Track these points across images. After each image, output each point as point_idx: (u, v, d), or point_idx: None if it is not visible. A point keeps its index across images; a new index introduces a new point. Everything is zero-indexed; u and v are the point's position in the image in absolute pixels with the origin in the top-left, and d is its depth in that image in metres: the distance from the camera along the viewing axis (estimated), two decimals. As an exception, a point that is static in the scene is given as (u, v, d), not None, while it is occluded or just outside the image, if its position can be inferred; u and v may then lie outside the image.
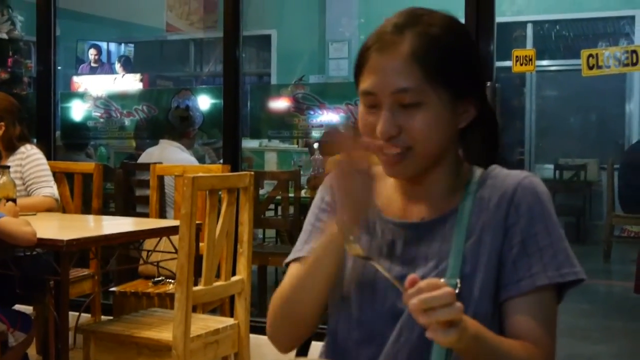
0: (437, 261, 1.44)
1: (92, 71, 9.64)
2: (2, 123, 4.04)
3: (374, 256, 1.44)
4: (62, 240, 3.01)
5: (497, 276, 1.42)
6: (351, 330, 1.50)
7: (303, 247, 1.59)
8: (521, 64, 3.97)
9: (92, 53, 9.82)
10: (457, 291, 1.36)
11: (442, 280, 1.24)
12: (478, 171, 1.52)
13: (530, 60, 4.01)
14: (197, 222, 3.08)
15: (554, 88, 10.95)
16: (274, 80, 10.35)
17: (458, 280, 1.39)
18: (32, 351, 4.13)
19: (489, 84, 3.85)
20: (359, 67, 1.45)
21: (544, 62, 10.29)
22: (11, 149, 4.08)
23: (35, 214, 3.82)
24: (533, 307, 1.40)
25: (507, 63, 4.14)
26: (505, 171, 1.51)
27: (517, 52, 4.01)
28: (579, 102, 10.66)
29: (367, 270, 1.48)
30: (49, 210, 3.99)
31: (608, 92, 10.36)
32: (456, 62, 1.43)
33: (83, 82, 8.60)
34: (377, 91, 1.41)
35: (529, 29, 10.36)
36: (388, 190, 1.56)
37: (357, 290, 1.50)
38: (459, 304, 1.19)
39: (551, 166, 10.49)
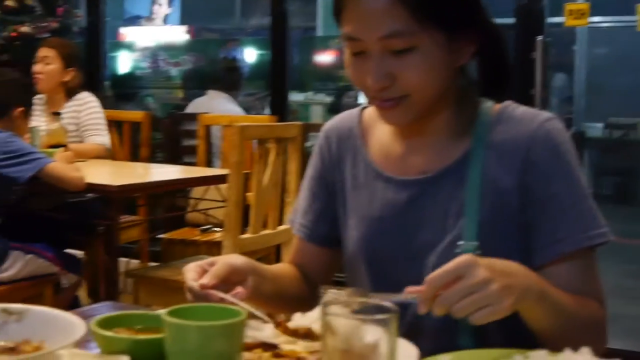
0: (446, 221, 1.33)
1: (145, 20, 9.71)
2: (72, 69, 4.12)
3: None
4: (112, 186, 3.06)
5: (520, 239, 1.31)
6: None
7: (296, 217, 1.54)
8: (574, 18, 3.89)
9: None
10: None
11: (456, 260, 1.08)
12: (487, 109, 1.37)
13: (583, 14, 3.93)
14: (245, 171, 3.10)
15: (605, 45, 10.73)
16: (319, 33, 10.31)
17: (476, 244, 1.28)
18: (82, 293, 4.22)
19: (539, 38, 3.79)
20: (338, 7, 1.30)
21: (596, 18, 10.08)
22: (72, 94, 4.15)
23: (86, 161, 3.88)
24: (569, 272, 1.28)
25: (558, 19, 4.06)
26: (519, 111, 1.35)
27: (570, 6, 3.93)
28: (631, 59, 10.43)
29: (376, 244, 1.40)
30: (99, 157, 4.05)
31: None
32: None
33: (130, 32, 8.64)
34: (363, 37, 1.26)
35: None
36: (384, 139, 1.43)
37: (366, 268, 1.42)
38: (487, 287, 1.05)
39: (600, 125, 10.33)
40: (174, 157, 5.21)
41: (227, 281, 1.25)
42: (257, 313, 1.20)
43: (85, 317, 1.09)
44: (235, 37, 6.53)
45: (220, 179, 3.53)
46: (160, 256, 4.18)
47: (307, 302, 1.49)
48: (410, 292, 1.08)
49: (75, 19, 6.20)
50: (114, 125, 4.56)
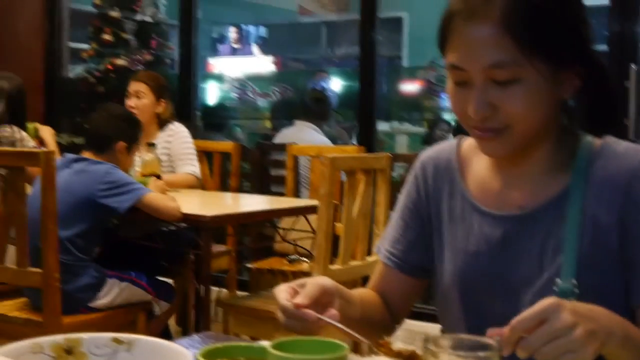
0: (544, 258, 1.31)
1: (233, 51, 9.89)
2: (163, 100, 4.26)
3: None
4: (205, 216, 3.13)
5: (620, 277, 1.28)
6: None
7: (383, 244, 1.54)
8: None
9: (232, 31, 10.05)
10: (574, 298, 1.23)
11: (541, 303, 1.07)
12: (588, 143, 1.34)
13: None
14: (335, 202, 3.12)
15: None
16: (404, 63, 10.34)
17: (574, 282, 1.26)
18: (171, 322, 4.30)
19: (633, 66, 3.72)
20: (443, 36, 1.29)
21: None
22: (164, 125, 4.27)
23: (178, 191, 3.97)
24: None
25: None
26: (621, 147, 1.32)
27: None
28: None
29: (471, 278, 1.39)
30: (191, 187, 4.15)
31: None
32: (556, 26, 1.25)
33: (217, 63, 8.82)
34: (467, 67, 1.25)
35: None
36: (482, 171, 1.42)
37: (460, 301, 1.41)
38: (571, 333, 1.03)
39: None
40: (262, 187, 5.28)
41: (318, 302, 1.25)
42: (355, 334, 1.21)
43: (186, 347, 1.12)
44: (321, 68, 6.60)
45: (309, 210, 3.57)
46: (249, 285, 4.24)
47: (388, 329, 1.55)
48: (492, 335, 1.06)
49: (168, 51, 6.40)
50: (204, 156, 4.66)
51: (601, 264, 1.28)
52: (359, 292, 1.49)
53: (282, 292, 1.26)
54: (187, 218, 3.22)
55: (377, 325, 1.49)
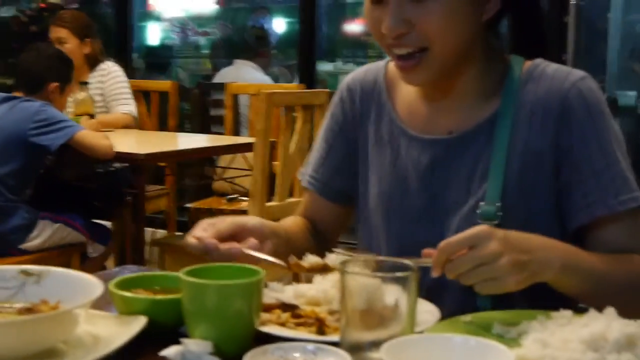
0: (471, 183, 1.29)
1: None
2: (88, 39, 4.12)
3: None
4: (140, 154, 3.06)
5: (550, 202, 1.27)
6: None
7: (307, 170, 1.49)
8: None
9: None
10: (496, 222, 1.22)
11: (472, 230, 1.06)
12: (517, 66, 1.31)
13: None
14: (271, 139, 3.08)
15: (640, 12, 10.49)
16: (349, 0, 10.19)
17: (498, 205, 1.24)
18: (109, 264, 4.25)
19: (573, 1, 3.71)
20: None
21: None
22: (94, 64, 4.14)
23: (113, 130, 3.88)
24: (612, 233, 1.25)
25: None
26: (550, 69, 1.29)
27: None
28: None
29: (397, 203, 1.36)
30: (127, 127, 4.06)
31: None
32: None
33: (158, 2, 8.58)
34: None
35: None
36: (411, 95, 1.39)
37: (387, 226, 1.38)
38: (496, 261, 1.03)
39: (634, 93, 10.12)
40: (202, 127, 5.21)
41: (234, 239, 1.22)
42: (269, 258, 1.19)
43: (106, 279, 1.08)
44: (264, 5, 6.46)
45: (246, 147, 3.53)
46: (187, 226, 4.19)
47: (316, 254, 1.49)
48: (426, 256, 1.07)
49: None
50: (142, 96, 4.56)
51: (530, 190, 1.27)
52: (287, 224, 1.45)
53: (197, 228, 1.24)
54: (121, 156, 3.15)
55: (304, 251, 1.44)
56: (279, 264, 1.19)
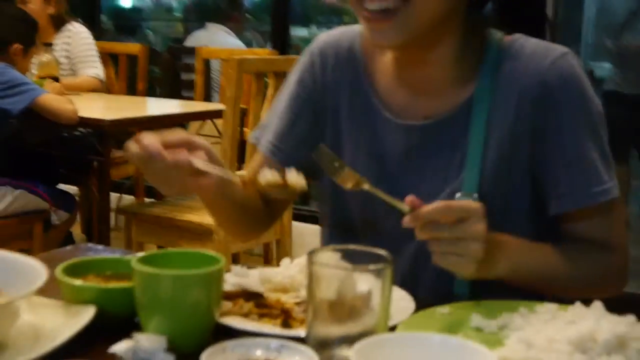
0: (448, 172, 1.21)
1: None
2: None
3: (365, 181, 1.11)
4: (104, 120, 2.95)
5: (528, 190, 1.20)
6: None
7: (265, 134, 1.35)
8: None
9: None
10: None
11: (457, 199, 1.04)
12: (495, 42, 1.21)
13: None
14: (243, 106, 2.98)
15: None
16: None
17: (475, 196, 1.16)
18: (76, 230, 4.15)
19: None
20: None
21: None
22: (60, 25, 4.00)
23: (79, 94, 3.76)
24: (582, 226, 1.19)
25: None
26: (529, 46, 1.20)
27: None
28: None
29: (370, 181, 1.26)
30: (94, 90, 3.94)
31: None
32: None
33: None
34: None
35: None
36: (387, 76, 1.27)
37: (363, 213, 1.29)
38: (475, 243, 0.99)
39: (609, 65, 10.10)
40: (172, 91, 5.08)
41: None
42: (222, 172, 1.09)
43: (55, 261, 0.99)
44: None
45: (217, 114, 3.43)
46: (156, 193, 4.09)
47: (262, 222, 1.40)
48: (410, 203, 1.01)
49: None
50: (110, 59, 4.43)
51: (506, 178, 1.19)
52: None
53: (141, 136, 1.09)
54: (86, 122, 3.03)
55: (254, 217, 1.35)
56: (231, 179, 1.10)
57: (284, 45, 4.63)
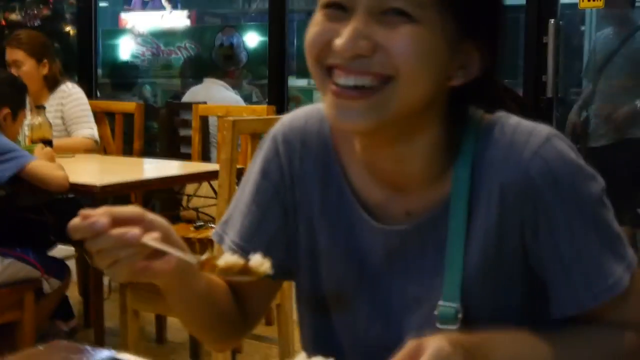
0: (430, 278, 1.08)
1: (144, 5, 9.44)
2: (46, 60, 3.93)
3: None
4: (95, 186, 2.87)
5: (518, 291, 1.09)
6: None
7: (229, 231, 1.20)
8: (589, 0, 3.67)
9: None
10: (455, 326, 1.05)
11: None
12: (474, 126, 1.08)
13: (599, -6, 3.71)
14: (240, 166, 2.90)
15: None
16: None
17: (458, 306, 1.05)
18: (74, 292, 4.06)
19: (552, 21, 3.57)
20: None
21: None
22: (54, 86, 3.96)
23: (73, 156, 3.69)
24: (593, 321, 1.08)
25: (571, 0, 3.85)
26: (508, 130, 1.06)
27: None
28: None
29: (354, 298, 1.15)
30: (89, 151, 3.88)
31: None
32: None
33: (130, 18, 8.43)
34: None
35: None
36: (359, 171, 1.13)
37: (343, 316, 1.17)
38: None
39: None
40: (170, 148, 5.02)
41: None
42: (177, 252, 0.97)
43: None
44: (232, 24, 6.33)
45: (213, 175, 3.34)
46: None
47: (239, 327, 1.25)
48: None
49: (68, 5, 6.02)
50: (106, 117, 4.37)
51: (493, 283, 1.08)
52: (208, 278, 1.16)
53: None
54: (76, 188, 2.95)
55: (225, 317, 1.20)
56: (187, 260, 0.98)
57: (281, 99, 4.57)
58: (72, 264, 4.19)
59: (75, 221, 0.94)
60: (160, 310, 2.97)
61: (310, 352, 1.03)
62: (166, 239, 1.00)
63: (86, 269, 3.81)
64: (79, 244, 3.65)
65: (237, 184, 2.93)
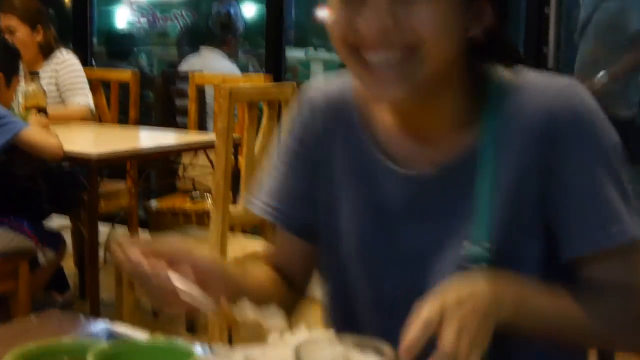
0: (454, 221, 1.11)
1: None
2: (40, 26, 3.87)
3: None
4: (90, 155, 2.82)
5: (542, 236, 1.10)
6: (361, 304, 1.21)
7: (262, 196, 1.25)
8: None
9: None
10: (485, 264, 1.07)
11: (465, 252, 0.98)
12: (498, 81, 1.13)
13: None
14: (236, 135, 2.86)
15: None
16: (322, -13, 9.96)
17: (488, 245, 1.07)
18: (69, 263, 4.03)
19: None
20: None
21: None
22: (48, 53, 3.90)
23: (68, 124, 3.64)
24: (606, 270, 1.08)
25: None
26: (531, 79, 1.11)
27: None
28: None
29: (374, 247, 1.17)
30: (84, 120, 3.83)
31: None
32: None
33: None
34: None
35: None
36: (385, 127, 1.18)
37: (363, 268, 1.19)
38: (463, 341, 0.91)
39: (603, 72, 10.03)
40: (166, 118, 4.97)
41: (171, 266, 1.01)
42: (198, 296, 0.99)
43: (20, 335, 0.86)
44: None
45: (210, 145, 3.30)
46: (150, 225, 3.96)
47: (291, 307, 1.26)
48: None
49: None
50: (102, 86, 4.31)
51: (518, 224, 1.09)
52: (254, 278, 1.22)
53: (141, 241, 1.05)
54: (71, 157, 2.90)
55: (273, 298, 1.17)
56: (207, 305, 0.99)
57: (278, 69, 4.51)
58: (67, 235, 4.17)
59: (115, 250, 1.00)
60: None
61: (329, 319, 1.16)
62: (195, 273, 1.02)
63: (81, 240, 3.78)
64: (74, 215, 3.62)
65: (234, 153, 2.90)
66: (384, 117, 1.17)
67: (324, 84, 1.26)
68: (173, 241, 1.06)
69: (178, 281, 0.98)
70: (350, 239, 1.18)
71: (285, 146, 1.25)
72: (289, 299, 1.25)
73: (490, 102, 1.11)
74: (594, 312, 1.06)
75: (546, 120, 1.07)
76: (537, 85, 1.10)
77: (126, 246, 0.99)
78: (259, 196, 1.26)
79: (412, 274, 1.13)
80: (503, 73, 1.13)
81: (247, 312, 0.99)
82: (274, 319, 0.99)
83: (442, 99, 1.11)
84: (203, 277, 1.03)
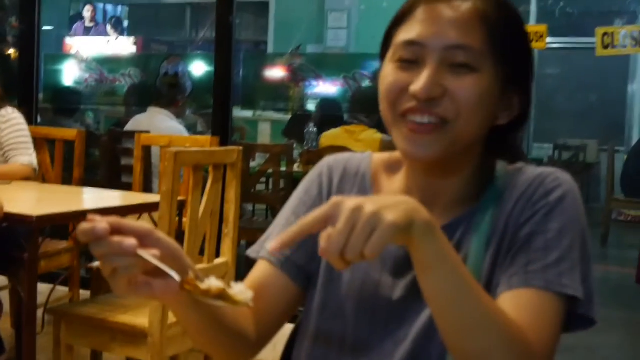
0: None
1: (87, 31, 9.36)
2: None
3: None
4: (31, 217, 2.78)
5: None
6: (341, 340, 1.27)
7: (266, 243, 1.35)
8: (532, 41, 3.73)
9: (87, 10, 9.53)
10: None
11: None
12: (502, 167, 1.28)
13: (542, 37, 3.79)
14: (181, 198, 2.85)
15: (556, 66, 10.73)
16: (270, 49, 10.07)
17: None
18: (6, 324, 3.94)
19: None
20: (402, 17, 1.21)
21: (549, 39, 10.04)
22: None
23: (10, 183, 3.60)
24: (523, 305, 1.12)
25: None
26: (531, 169, 1.25)
27: (528, 29, 3.76)
28: (579, 81, 10.47)
29: (366, 286, 1.27)
30: (27, 179, 3.78)
31: (610, 73, 10.17)
32: (518, 36, 1.21)
33: (76, 43, 8.36)
34: (427, 41, 1.16)
35: (533, 5, 10.11)
36: (396, 192, 1.31)
37: (354, 306, 1.28)
38: (366, 210, 0.93)
39: (550, 145, 10.30)
40: (112, 176, 4.94)
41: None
42: (165, 268, 0.99)
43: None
44: (178, 53, 6.29)
45: (154, 207, 3.27)
46: (91, 285, 3.89)
47: (249, 345, 1.29)
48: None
49: (11, 28, 5.93)
50: (46, 144, 4.27)
51: (494, 281, 1.18)
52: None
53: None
54: (11, 218, 2.85)
55: (234, 333, 1.24)
56: (172, 276, 0.99)
57: (226, 130, 4.53)
58: (5, 295, 4.08)
59: (82, 224, 0.96)
60: (95, 345, 2.89)
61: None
62: (170, 259, 1.02)
63: (19, 300, 3.69)
64: (12, 275, 3.55)
65: (178, 216, 2.89)
66: (394, 186, 1.31)
67: (342, 156, 1.40)
68: (141, 223, 1.03)
69: (146, 254, 0.97)
70: (347, 287, 1.27)
71: (298, 199, 1.37)
72: (252, 333, 1.28)
73: (496, 181, 1.24)
74: (496, 314, 1.06)
75: (532, 190, 1.19)
76: (537, 171, 1.23)
77: (95, 221, 0.96)
78: (266, 247, 1.34)
79: (402, 323, 1.21)
80: (507, 165, 1.27)
81: (212, 282, 0.99)
82: (240, 289, 1.00)
83: (459, 173, 1.24)
84: (168, 254, 1.02)
